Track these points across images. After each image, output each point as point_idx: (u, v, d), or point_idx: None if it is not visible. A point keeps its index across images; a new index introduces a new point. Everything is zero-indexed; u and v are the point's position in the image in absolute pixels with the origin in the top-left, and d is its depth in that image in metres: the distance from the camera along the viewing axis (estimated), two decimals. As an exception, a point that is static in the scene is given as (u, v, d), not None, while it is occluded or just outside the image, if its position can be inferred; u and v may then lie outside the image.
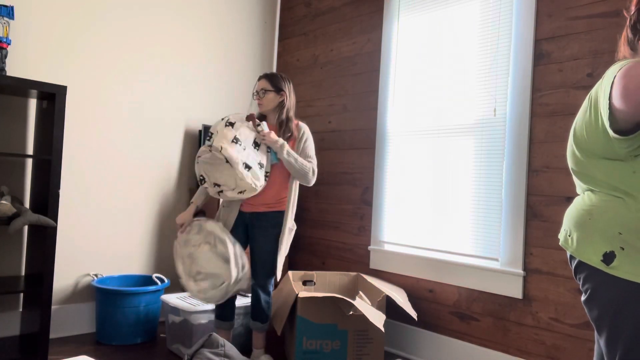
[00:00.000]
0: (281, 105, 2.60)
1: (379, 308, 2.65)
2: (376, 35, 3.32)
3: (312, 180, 2.58)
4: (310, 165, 2.56)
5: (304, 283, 3.05)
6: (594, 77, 2.33)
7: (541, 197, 2.47)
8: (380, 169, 3.21)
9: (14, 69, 2.78)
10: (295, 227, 2.64)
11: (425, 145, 2.99)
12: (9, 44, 2.60)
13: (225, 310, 2.62)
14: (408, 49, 3.13)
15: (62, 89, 2.57)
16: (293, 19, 3.98)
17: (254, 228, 2.56)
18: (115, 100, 3.19)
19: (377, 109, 3.26)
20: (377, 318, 2.41)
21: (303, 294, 2.58)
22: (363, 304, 2.47)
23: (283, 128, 2.58)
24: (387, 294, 2.65)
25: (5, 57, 2.57)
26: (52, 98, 2.60)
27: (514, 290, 2.52)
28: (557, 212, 2.41)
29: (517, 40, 2.59)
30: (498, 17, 2.69)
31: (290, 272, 2.97)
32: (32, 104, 2.88)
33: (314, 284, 3.05)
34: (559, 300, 2.38)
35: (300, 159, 2.53)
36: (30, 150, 2.87)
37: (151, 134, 3.36)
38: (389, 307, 3.08)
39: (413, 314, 2.63)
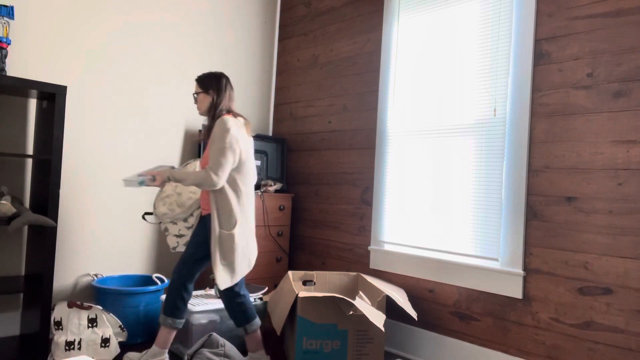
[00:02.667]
0: (211, 105, 2.48)
1: (379, 308, 2.65)
2: (376, 35, 3.32)
3: (215, 183, 2.32)
4: (203, 173, 2.32)
5: (304, 283, 3.05)
6: (594, 77, 2.33)
7: (541, 197, 2.47)
8: (380, 169, 3.21)
9: (14, 69, 2.78)
10: (227, 235, 2.38)
11: (425, 145, 2.99)
12: (9, 44, 2.59)
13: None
14: (408, 49, 3.13)
15: (62, 89, 2.57)
16: (293, 19, 3.98)
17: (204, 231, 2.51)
18: (115, 100, 3.19)
19: (377, 109, 3.26)
20: (377, 318, 2.41)
21: (303, 293, 2.58)
22: (363, 304, 2.47)
23: (206, 129, 2.50)
24: (387, 294, 2.65)
25: (5, 57, 2.57)
26: (52, 98, 2.60)
27: (514, 290, 2.52)
28: (557, 212, 2.41)
29: (517, 40, 2.59)
30: (498, 17, 2.69)
31: (290, 272, 2.97)
32: (32, 104, 2.88)
33: (314, 284, 3.05)
34: (559, 300, 2.38)
35: (190, 175, 2.34)
36: (30, 150, 2.87)
37: (151, 133, 3.36)
38: (389, 307, 3.08)
39: (413, 314, 2.63)
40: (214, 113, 2.48)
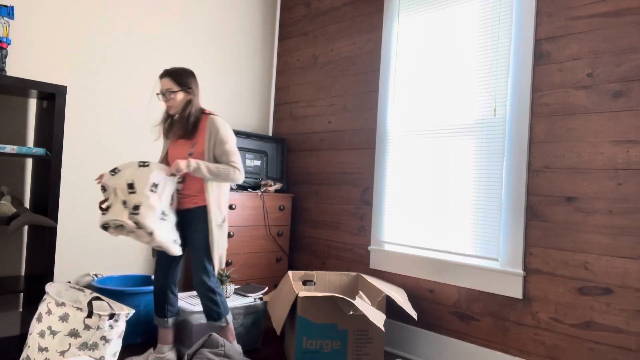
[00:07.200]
0: (188, 103, 2.44)
1: (379, 308, 2.65)
2: (376, 35, 3.32)
3: (240, 178, 2.42)
4: (232, 167, 2.40)
5: (304, 283, 3.05)
6: (594, 77, 2.33)
7: (541, 197, 2.47)
8: (380, 169, 3.21)
9: (14, 69, 2.78)
10: (226, 221, 2.50)
11: (425, 145, 2.99)
12: (9, 44, 2.60)
13: (158, 303, 2.56)
14: (408, 49, 3.13)
15: (62, 89, 2.57)
16: (293, 19, 3.98)
17: (186, 226, 2.50)
18: (115, 100, 3.19)
19: (377, 109, 3.26)
20: (377, 318, 2.41)
21: (303, 293, 2.58)
22: (363, 304, 2.47)
23: (190, 127, 2.44)
24: (387, 294, 2.65)
25: (5, 57, 2.57)
26: (52, 98, 2.60)
27: (514, 290, 2.52)
28: (557, 212, 2.41)
29: (517, 40, 2.59)
30: (498, 17, 2.69)
31: (290, 272, 2.97)
32: (32, 103, 2.88)
33: (314, 284, 3.05)
34: (559, 300, 2.38)
35: (220, 166, 2.37)
36: (30, 150, 2.88)
37: (151, 133, 3.36)
38: (389, 307, 3.08)
39: (413, 314, 2.63)
40: (191, 111, 2.44)
